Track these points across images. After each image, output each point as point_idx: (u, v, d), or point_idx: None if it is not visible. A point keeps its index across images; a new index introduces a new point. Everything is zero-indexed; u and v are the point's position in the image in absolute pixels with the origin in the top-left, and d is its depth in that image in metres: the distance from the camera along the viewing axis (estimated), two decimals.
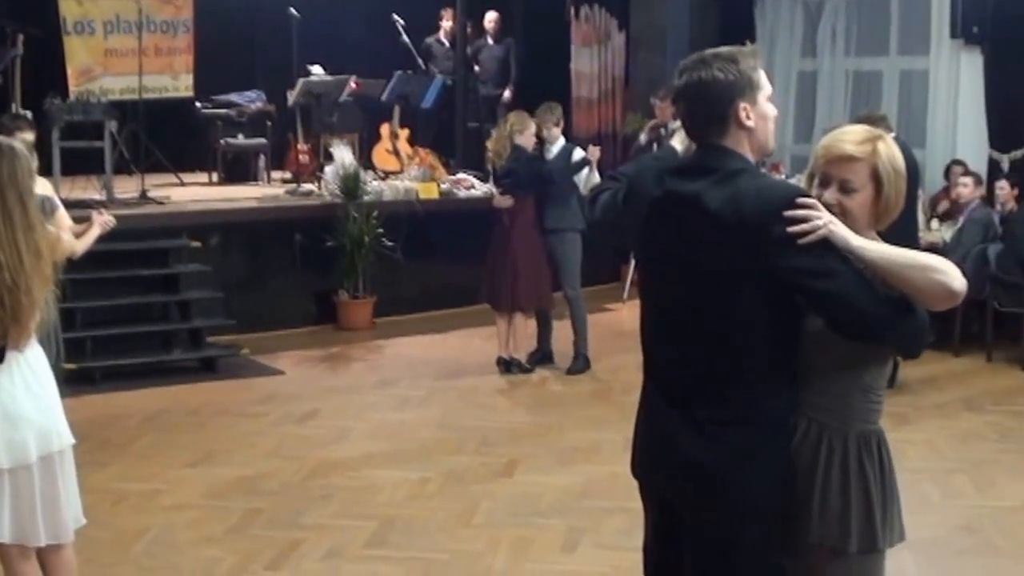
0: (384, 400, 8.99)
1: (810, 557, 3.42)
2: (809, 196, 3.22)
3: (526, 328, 9.82)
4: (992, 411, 8.89)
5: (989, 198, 11.47)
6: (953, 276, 3.16)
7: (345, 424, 8.29)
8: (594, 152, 9.62)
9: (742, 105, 3.32)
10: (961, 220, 10.97)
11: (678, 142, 3.74)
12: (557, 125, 9.73)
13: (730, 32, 14.83)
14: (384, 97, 13.48)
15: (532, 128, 9.54)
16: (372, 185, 11.89)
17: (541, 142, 9.77)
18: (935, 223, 11.65)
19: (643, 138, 13.01)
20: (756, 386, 3.30)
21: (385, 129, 13.63)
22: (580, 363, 9.76)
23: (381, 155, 13.57)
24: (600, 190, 3.77)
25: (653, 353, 3.52)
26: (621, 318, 12.33)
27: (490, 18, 14.64)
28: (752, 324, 3.26)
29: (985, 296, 10.42)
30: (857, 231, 3.25)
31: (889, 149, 3.37)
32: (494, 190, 9.87)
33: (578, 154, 9.62)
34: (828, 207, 3.24)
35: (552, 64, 14.50)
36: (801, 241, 3.13)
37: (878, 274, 3.19)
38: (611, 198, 3.64)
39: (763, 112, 3.38)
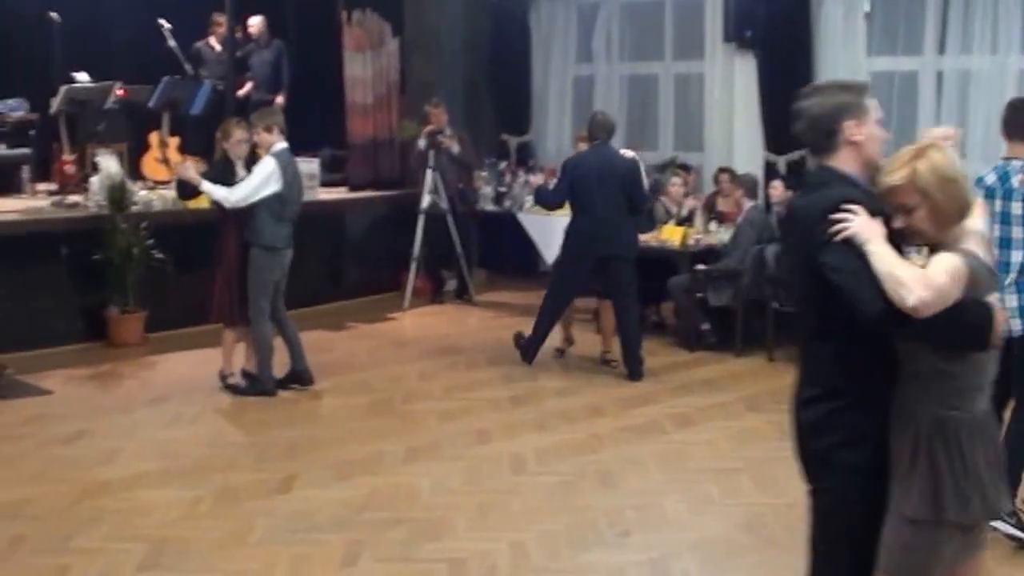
0: (156, 418, 8.74)
1: None
2: (856, 203, 3.80)
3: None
4: (773, 410, 8.98)
5: (766, 200, 11.73)
6: (907, 294, 3.63)
7: (115, 444, 8.02)
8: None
9: (846, 124, 3.98)
10: (738, 222, 11.21)
11: None
12: (268, 131, 9.17)
13: (504, 37, 14.95)
14: (152, 104, 13.11)
15: (236, 135, 9.21)
16: (140, 195, 11.57)
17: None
18: (713, 225, 11.83)
19: (422, 144, 13.00)
20: (834, 365, 3.98)
21: (154, 137, 13.30)
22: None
23: (150, 164, 13.24)
24: None
25: None
26: (403, 327, 12.27)
27: (253, 22, 14.37)
28: (829, 312, 3.89)
29: (765, 296, 10.66)
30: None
31: (930, 162, 3.82)
32: None
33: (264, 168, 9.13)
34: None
35: (326, 69, 14.31)
36: (834, 239, 3.77)
37: None
38: None
39: (871, 133, 4.01)
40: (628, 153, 10.25)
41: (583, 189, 10.03)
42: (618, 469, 7.57)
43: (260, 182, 9.00)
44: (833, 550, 4.08)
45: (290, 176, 9.16)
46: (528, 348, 10.42)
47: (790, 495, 7.03)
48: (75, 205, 11.57)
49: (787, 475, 7.33)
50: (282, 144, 9.19)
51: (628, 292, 10.07)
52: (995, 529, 5.90)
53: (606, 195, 9.96)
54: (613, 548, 6.29)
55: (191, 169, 9.47)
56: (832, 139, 4.00)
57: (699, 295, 10.93)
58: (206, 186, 9.12)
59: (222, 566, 5.95)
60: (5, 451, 7.88)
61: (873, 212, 3.84)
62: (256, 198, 8.98)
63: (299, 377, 9.46)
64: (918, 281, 3.64)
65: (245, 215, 9.05)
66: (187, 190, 9.38)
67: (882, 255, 3.72)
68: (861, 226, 3.77)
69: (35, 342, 10.36)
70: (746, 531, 6.55)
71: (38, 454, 7.81)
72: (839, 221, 3.77)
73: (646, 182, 10.64)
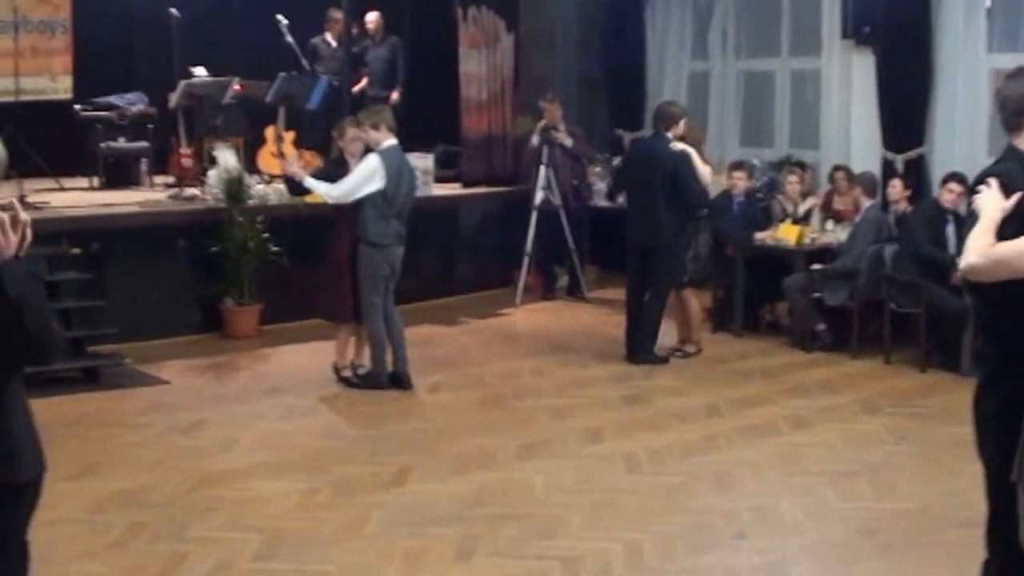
0: (271, 409, 8.82)
1: None
2: (998, 178, 4.06)
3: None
4: (890, 413, 8.89)
5: (884, 199, 11.50)
6: (963, 259, 3.96)
7: (231, 434, 8.12)
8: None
9: None
10: (856, 221, 11.02)
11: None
12: (376, 129, 9.11)
13: (619, 33, 14.89)
14: (268, 99, 13.25)
15: (351, 133, 9.23)
16: (257, 189, 11.70)
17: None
18: (829, 224, 11.64)
19: (535, 140, 13.00)
20: (988, 333, 4.29)
21: (270, 132, 13.44)
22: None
23: (266, 158, 13.38)
24: None
25: None
26: (514, 323, 12.28)
27: (370, 19, 14.47)
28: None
29: (882, 297, 10.45)
30: None
31: None
32: None
33: (366, 165, 9.11)
34: None
35: (441, 66, 14.35)
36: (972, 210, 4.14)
37: None
38: None
39: None
40: (678, 146, 10.07)
41: (630, 177, 10.49)
42: (733, 470, 7.48)
43: (361, 179, 9.01)
44: (994, 518, 4.22)
45: (395, 173, 9.10)
46: (628, 346, 10.39)
47: (908, 500, 6.94)
48: (192, 198, 11.76)
49: (905, 480, 7.27)
50: (390, 141, 9.17)
51: (658, 282, 10.21)
52: None
53: (645, 184, 10.03)
54: (728, 550, 6.21)
55: (295, 164, 9.58)
56: (1019, 119, 4.24)
57: (815, 295, 10.77)
58: (309, 182, 9.18)
59: (338, 558, 5.97)
60: (127, 439, 8.02)
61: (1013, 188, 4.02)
62: (358, 195, 8.99)
63: (398, 379, 9.37)
64: (974, 249, 3.91)
65: (354, 212, 9.08)
66: (296, 185, 9.44)
67: (981, 223, 3.97)
68: (984, 199, 4.04)
69: (153, 332, 10.54)
70: (863, 536, 6.41)
71: (157, 443, 7.92)
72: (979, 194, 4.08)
73: (709, 177, 10.35)
